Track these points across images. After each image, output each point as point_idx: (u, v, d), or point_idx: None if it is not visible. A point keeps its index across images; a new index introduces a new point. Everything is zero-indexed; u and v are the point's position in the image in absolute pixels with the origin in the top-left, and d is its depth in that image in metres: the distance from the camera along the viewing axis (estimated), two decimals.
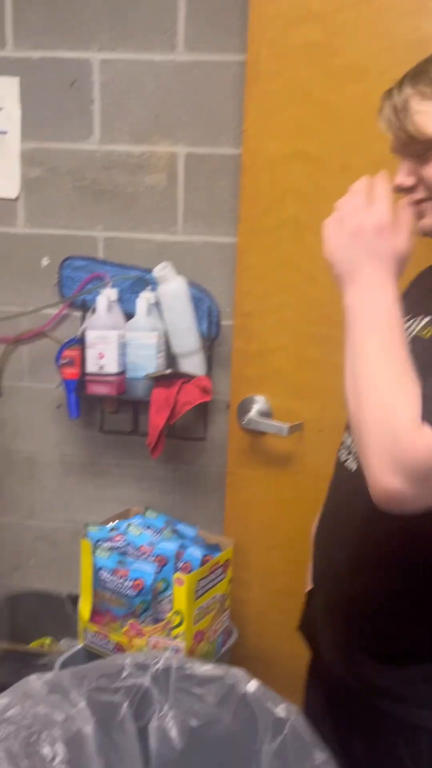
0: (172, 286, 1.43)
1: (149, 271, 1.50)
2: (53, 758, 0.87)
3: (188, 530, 1.41)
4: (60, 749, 0.88)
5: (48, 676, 0.98)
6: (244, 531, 1.53)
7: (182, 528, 1.41)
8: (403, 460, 0.69)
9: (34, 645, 1.73)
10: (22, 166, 1.55)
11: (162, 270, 1.42)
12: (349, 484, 0.96)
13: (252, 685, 1.00)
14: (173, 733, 1.02)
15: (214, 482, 1.64)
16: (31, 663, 1.55)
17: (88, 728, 0.94)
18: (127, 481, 1.68)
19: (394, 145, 0.88)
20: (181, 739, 1.02)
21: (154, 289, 1.49)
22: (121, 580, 1.26)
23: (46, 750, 0.88)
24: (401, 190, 0.89)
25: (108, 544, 1.34)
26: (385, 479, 0.70)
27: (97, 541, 1.34)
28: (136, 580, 1.25)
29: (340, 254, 0.85)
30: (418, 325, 0.89)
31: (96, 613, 1.34)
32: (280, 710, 0.95)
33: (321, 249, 1.33)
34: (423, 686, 0.93)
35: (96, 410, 1.63)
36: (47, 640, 1.77)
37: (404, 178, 0.88)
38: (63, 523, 1.74)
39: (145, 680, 1.02)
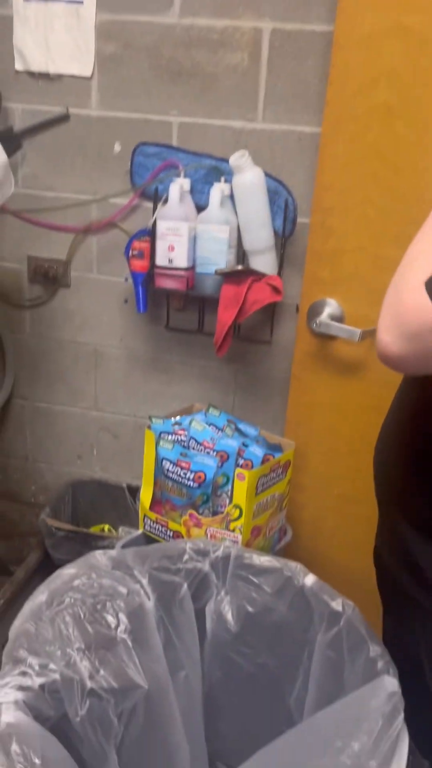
0: (249, 177, 1.36)
1: (225, 160, 1.42)
2: (117, 626, 0.92)
3: (250, 429, 1.41)
4: (123, 619, 0.93)
5: (112, 552, 1.02)
6: (305, 435, 1.52)
7: (244, 427, 1.41)
8: (396, 317, 0.72)
9: (94, 529, 1.81)
10: (97, 40, 1.47)
11: (239, 158, 1.34)
12: None
13: (310, 579, 1.02)
14: (229, 616, 1.06)
15: (276, 386, 1.62)
16: (91, 545, 1.62)
17: (149, 603, 0.98)
18: (189, 379, 1.68)
19: None
20: (236, 623, 1.06)
21: (228, 180, 1.41)
22: (183, 472, 1.28)
23: (111, 618, 0.92)
24: None
25: (171, 437, 1.35)
26: (382, 336, 0.74)
27: (161, 433, 1.35)
28: (197, 472, 1.26)
29: None
30: None
31: (156, 503, 1.38)
32: (337, 604, 0.97)
33: (412, 139, 1.25)
34: None
35: (162, 306, 1.61)
36: (106, 526, 1.84)
37: None
38: (125, 416, 1.77)
39: (205, 565, 1.06)
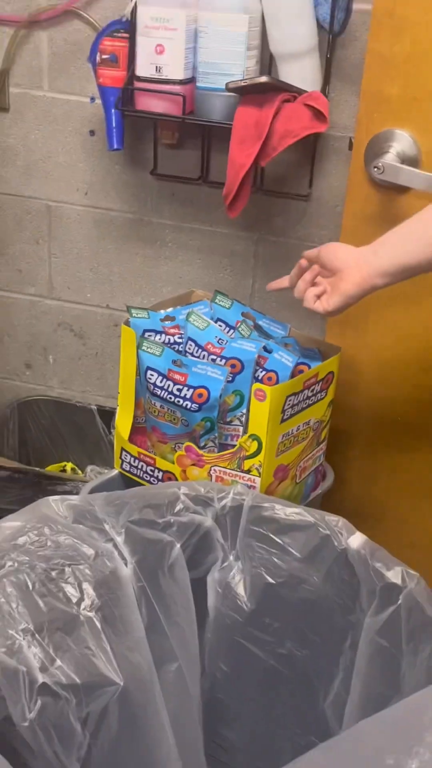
0: None
1: None
2: (79, 601, 0.95)
3: (276, 328, 1.42)
4: (89, 591, 0.96)
5: (74, 500, 1.05)
6: (355, 338, 1.53)
7: (267, 324, 1.42)
8: None
9: (51, 469, 1.85)
10: None
11: None
12: None
13: (356, 540, 1.04)
14: (240, 589, 1.10)
15: None
16: (47, 490, 1.67)
17: (126, 570, 1.01)
18: (187, 253, 1.69)
19: None
20: (250, 599, 1.10)
21: None
22: (178, 388, 1.29)
23: (71, 590, 0.95)
24: None
25: (160, 338, 1.35)
26: None
27: (145, 332, 1.36)
28: (198, 388, 1.27)
29: None
30: None
31: (138, 431, 1.40)
32: (394, 574, 0.99)
33: None
34: None
35: (148, 142, 1.60)
36: (69, 465, 1.88)
37: None
38: (94, 307, 1.79)
39: (207, 519, 1.09)
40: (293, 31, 1.37)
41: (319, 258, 1.22)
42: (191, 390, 1.28)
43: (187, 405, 1.28)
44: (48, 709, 0.88)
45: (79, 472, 1.89)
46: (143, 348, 1.32)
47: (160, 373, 1.30)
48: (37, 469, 1.78)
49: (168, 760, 1.04)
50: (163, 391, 1.30)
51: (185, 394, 1.28)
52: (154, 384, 1.31)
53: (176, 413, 1.30)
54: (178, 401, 1.29)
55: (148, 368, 1.31)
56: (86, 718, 0.93)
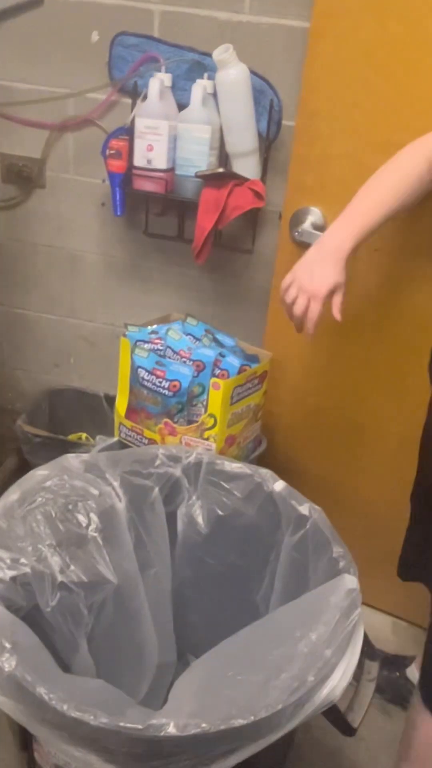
0: (233, 73, 1.28)
1: (208, 54, 1.33)
2: (87, 525, 0.94)
3: (227, 339, 1.40)
4: (94, 518, 0.95)
5: (84, 456, 1.04)
6: (283, 347, 1.51)
7: (222, 337, 1.40)
8: None
9: (71, 437, 1.82)
10: None
11: (223, 53, 1.26)
12: None
13: (279, 485, 1.04)
14: (200, 519, 1.10)
15: (256, 297, 1.60)
16: (68, 452, 1.63)
17: (120, 505, 1.01)
18: (168, 288, 1.65)
19: None
20: (206, 526, 1.09)
21: (212, 77, 1.33)
22: (159, 380, 1.28)
23: (82, 518, 0.94)
24: None
25: (147, 346, 1.34)
26: None
27: (136, 341, 1.34)
28: (173, 381, 1.26)
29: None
30: None
31: (132, 411, 1.38)
32: (304, 508, 1.00)
33: (405, 39, 1.18)
34: None
35: (141, 211, 1.55)
36: (84, 435, 1.86)
37: None
38: (103, 324, 1.75)
39: (177, 470, 1.08)
40: (242, 137, 1.34)
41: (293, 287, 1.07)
42: (168, 382, 1.27)
43: (165, 392, 1.28)
44: (64, 599, 0.88)
45: (91, 440, 1.86)
46: (136, 353, 1.31)
47: (146, 370, 1.30)
48: (62, 437, 1.76)
49: (147, 635, 1.04)
50: (149, 383, 1.29)
51: (164, 385, 1.28)
52: (143, 378, 1.30)
53: (158, 398, 1.29)
54: (159, 390, 1.28)
55: (139, 366, 1.30)
56: (91, 606, 0.93)
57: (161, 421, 1.31)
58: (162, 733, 0.65)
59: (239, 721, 0.67)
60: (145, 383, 1.30)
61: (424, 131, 1.10)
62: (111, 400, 1.81)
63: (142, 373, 1.30)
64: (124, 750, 0.67)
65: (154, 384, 1.28)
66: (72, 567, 0.89)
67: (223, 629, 0.97)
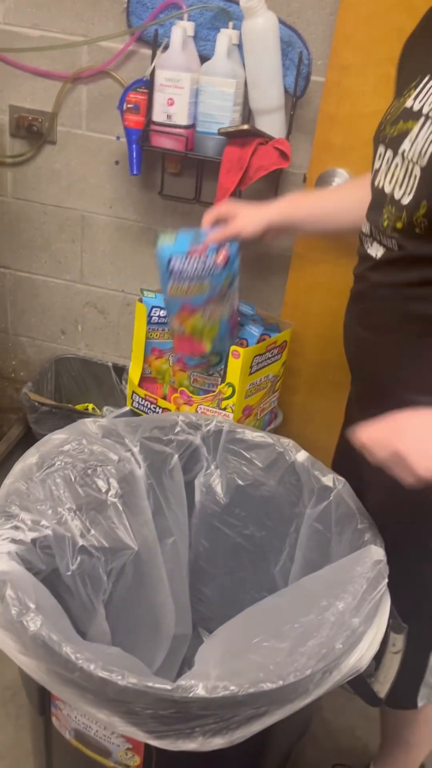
0: (260, 23, 1.28)
1: (234, 1, 1.33)
2: (107, 490, 0.96)
3: (246, 308, 1.41)
4: (114, 484, 0.97)
5: (102, 421, 1.05)
6: (302, 318, 1.53)
7: (240, 305, 1.41)
8: None
9: (78, 407, 1.84)
10: None
11: (251, 0, 1.26)
12: (374, 273, 0.92)
13: (302, 455, 1.06)
14: (219, 488, 1.12)
15: (276, 264, 1.60)
16: (75, 421, 1.66)
17: (140, 471, 1.02)
18: None
19: None
20: (225, 495, 1.11)
21: (237, 27, 1.33)
22: (201, 259, 1.13)
23: (101, 483, 0.97)
24: None
25: (163, 312, 1.34)
26: None
27: (152, 308, 1.36)
28: (218, 250, 1.13)
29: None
30: None
31: (145, 380, 1.40)
32: (327, 479, 1.01)
33: None
34: None
35: (157, 170, 1.55)
36: (90, 405, 1.88)
37: None
38: (113, 291, 1.76)
39: (196, 438, 1.10)
40: (267, 93, 1.34)
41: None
42: (213, 254, 1.12)
43: (212, 268, 1.13)
44: (84, 564, 0.91)
45: (98, 410, 1.88)
46: (159, 243, 1.14)
47: (180, 258, 1.13)
48: (69, 405, 1.79)
49: (164, 604, 1.06)
50: (189, 269, 1.13)
51: (209, 261, 1.13)
52: (180, 270, 1.13)
53: (204, 281, 1.14)
54: (205, 269, 1.13)
55: (170, 259, 1.13)
56: (110, 571, 0.95)
57: (208, 311, 1.18)
58: (191, 695, 0.67)
59: (268, 685, 0.69)
60: (185, 273, 1.14)
61: None
62: (119, 370, 1.84)
63: (176, 263, 1.13)
64: (149, 712, 0.70)
65: (194, 267, 1.13)
66: (92, 531, 0.91)
67: (239, 603, 0.99)
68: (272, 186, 1.49)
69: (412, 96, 0.84)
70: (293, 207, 1.11)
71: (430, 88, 0.82)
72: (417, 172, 0.81)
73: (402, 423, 0.77)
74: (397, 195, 0.84)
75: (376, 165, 0.91)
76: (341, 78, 1.30)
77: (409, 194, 0.82)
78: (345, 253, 1.04)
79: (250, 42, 1.30)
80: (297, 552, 1.06)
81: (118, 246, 1.70)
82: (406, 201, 0.82)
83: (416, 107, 0.82)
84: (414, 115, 0.82)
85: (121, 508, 0.96)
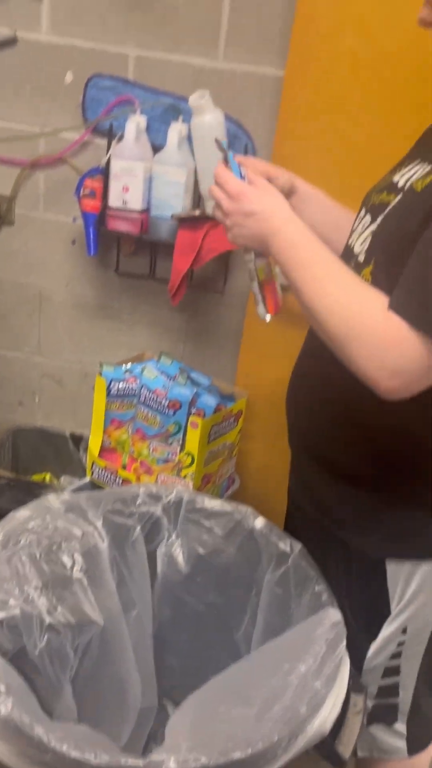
0: (208, 119, 1.37)
1: (183, 99, 1.44)
2: (72, 566, 0.98)
3: (202, 379, 1.46)
4: (78, 559, 0.99)
5: (65, 496, 1.07)
6: (255, 386, 1.59)
7: (196, 376, 1.46)
8: (390, 360, 0.77)
9: (35, 478, 1.85)
10: None
11: (199, 98, 1.35)
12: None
13: (259, 522, 1.10)
14: (180, 558, 1.13)
15: (227, 336, 1.68)
16: (34, 493, 1.66)
17: (103, 545, 1.04)
18: (139, 326, 1.72)
19: None
20: (187, 565, 1.13)
21: (186, 121, 1.43)
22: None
23: (66, 558, 0.98)
24: (423, 24, 0.86)
25: (122, 385, 1.39)
26: (381, 382, 0.79)
27: (111, 381, 1.39)
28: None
29: (253, 235, 0.92)
30: (418, 172, 0.89)
31: (105, 451, 1.42)
32: (285, 544, 1.05)
33: (376, 88, 1.30)
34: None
35: (112, 250, 1.62)
36: (47, 476, 1.88)
37: (427, 14, 0.85)
38: (71, 363, 1.80)
39: (157, 509, 1.12)
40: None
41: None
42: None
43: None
44: (51, 641, 0.91)
45: (55, 480, 1.88)
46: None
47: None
48: (27, 478, 1.79)
49: (130, 678, 1.07)
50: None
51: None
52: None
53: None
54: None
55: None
56: (77, 647, 0.96)
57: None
58: None
59: (237, 754, 0.71)
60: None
61: None
62: (77, 439, 1.85)
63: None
64: None
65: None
66: (59, 608, 0.92)
67: (203, 672, 1.00)
68: (223, 265, 1.58)
69: (400, 173, 0.93)
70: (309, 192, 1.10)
71: (412, 169, 0.90)
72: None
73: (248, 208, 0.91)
74: (360, 256, 0.92)
75: (354, 225, 0.99)
76: (283, 167, 1.40)
77: (365, 252, 0.90)
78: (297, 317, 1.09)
79: (198, 136, 1.39)
80: (258, 617, 1.08)
81: (76, 320, 1.75)
82: (362, 258, 0.90)
83: (400, 183, 0.90)
84: (396, 190, 0.90)
85: (86, 583, 0.97)
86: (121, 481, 1.40)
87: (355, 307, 0.81)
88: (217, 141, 1.06)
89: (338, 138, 1.35)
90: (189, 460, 1.31)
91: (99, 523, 1.05)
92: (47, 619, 0.90)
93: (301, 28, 1.30)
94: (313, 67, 1.31)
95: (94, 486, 1.46)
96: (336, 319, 0.82)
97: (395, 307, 0.78)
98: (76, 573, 0.98)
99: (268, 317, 1.07)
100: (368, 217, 0.95)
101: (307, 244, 0.87)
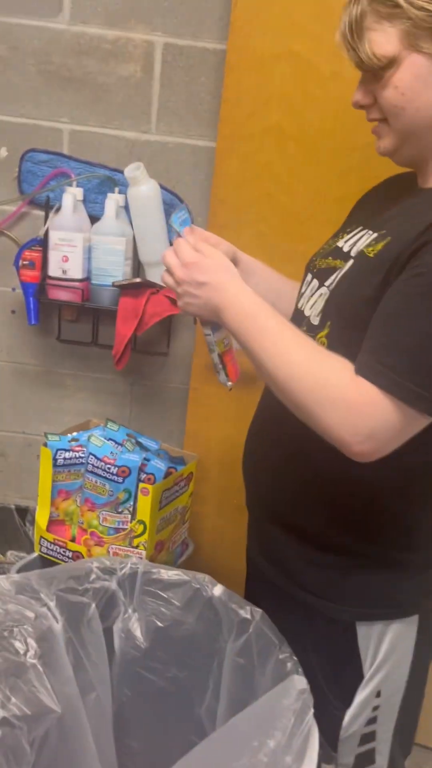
0: (144, 189, 1.41)
1: (118, 170, 1.47)
2: (26, 652, 0.93)
3: (151, 443, 1.45)
4: (32, 644, 0.94)
5: (15, 577, 1.03)
6: (203, 447, 1.59)
7: (145, 441, 1.45)
8: (363, 425, 0.79)
9: None
10: None
11: (134, 170, 1.40)
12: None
13: (218, 589, 1.08)
14: (138, 633, 1.10)
15: (173, 398, 1.68)
16: None
17: (58, 626, 1.00)
18: (83, 393, 1.70)
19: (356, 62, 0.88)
20: (146, 639, 1.10)
21: (123, 191, 1.46)
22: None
23: (19, 644, 0.94)
24: (358, 107, 0.91)
25: (68, 454, 1.37)
26: (354, 446, 0.80)
27: (57, 450, 1.37)
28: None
29: (205, 305, 0.93)
30: (364, 239, 0.93)
31: (53, 524, 1.38)
32: (245, 612, 1.03)
33: (303, 159, 1.36)
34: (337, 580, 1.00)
35: (53, 317, 1.62)
36: None
37: (360, 97, 0.91)
38: (13, 433, 1.76)
39: (112, 583, 1.09)
40: (154, 248, 1.45)
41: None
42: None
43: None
44: (6, 737, 0.86)
45: (2, 557, 1.82)
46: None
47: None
48: None
49: (91, 766, 1.01)
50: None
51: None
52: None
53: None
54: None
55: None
56: (33, 740, 0.90)
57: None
58: None
59: None
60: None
61: (323, 240, 1.26)
62: (23, 512, 1.79)
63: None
64: None
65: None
66: (13, 699, 0.87)
67: (166, 752, 0.96)
68: (165, 329, 1.59)
69: (344, 239, 0.96)
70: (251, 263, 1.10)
71: (356, 236, 0.94)
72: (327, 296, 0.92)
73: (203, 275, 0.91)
74: (312, 319, 0.93)
75: (302, 289, 1.01)
76: (220, 234, 1.42)
77: (317, 316, 0.92)
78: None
79: (136, 206, 1.43)
80: (222, 689, 1.05)
81: (17, 389, 1.72)
82: (315, 322, 0.92)
83: (345, 249, 0.93)
84: (343, 256, 0.93)
85: (41, 669, 0.92)
86: (71, 555, 1.36)
87: (323, 373, 0.82)
88: (169, 224, 1.08)
89: (272, 205, 1.40)
90: (141, 528, 1.29)
91: (52, 604, 1.00)
92: (1, 713, 0.85)
93: (229, 106, 1.37)
94: (243, 140, 1.37)
95: (42, 561, 1.41)
96: (302, 387, 0.82)
97: (363, 372, 0.79)
98: (30, 659, 0.93)
99: (229, 384, 1.08)
100: (315, 282, 0.98)
101: (263, 313, 0.88)
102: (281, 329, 0.86)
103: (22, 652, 0.93)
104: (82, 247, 1.43)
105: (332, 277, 0.94)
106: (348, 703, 1.01)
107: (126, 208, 1.47)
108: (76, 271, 1.44)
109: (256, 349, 0.86)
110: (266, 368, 0.86)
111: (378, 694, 1.01)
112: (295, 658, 0.97)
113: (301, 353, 0.84)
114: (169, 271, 0.96)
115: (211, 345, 1.03)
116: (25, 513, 1.78)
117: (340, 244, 0.97)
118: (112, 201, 1.44)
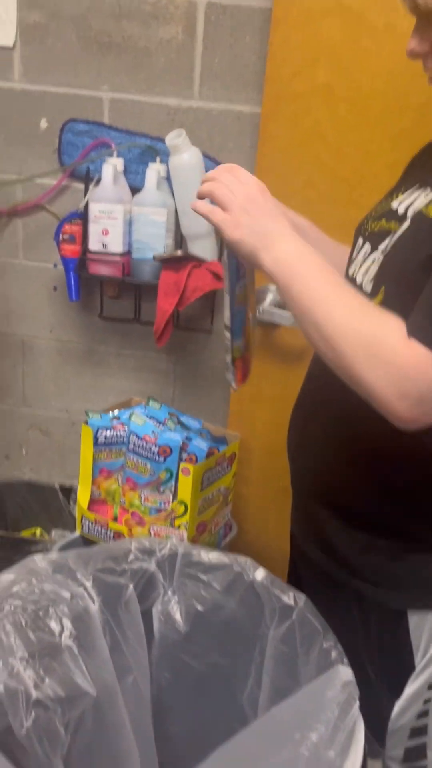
0: (186, 158, 1.37)
1: (160, 139, 1.43)
2: (61, 632, 0.92)
3: (193, 422, 1.42)
4: (67, 624, 0.93)
5: (52, 556, 1.02)
6: (248, 427, 1.55)
7: (186, 420, 1.42)
8: (413, 388, 0.72)
9: (25, 534, 1.78)
10: (20, 9, 1.44)
11: (176, 138, 1.35)
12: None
13: (260, 573, 1.04)
14: (177, 616, 1.07)
15: (217, 376, 1.64)
16: (23, 550, 1.60)
17: (94, 607, 0.98)
18: (125, 371, 1.68)
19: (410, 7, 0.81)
20: (185, 623, 1.07)
21: (164, 161, 1.42)
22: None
23: (54, 625, 0.92)
24: (414, 56, 0.84)
25: (110, 432, 1.35)
26: (401, 411, 0.73)
27: (98, 429, 1.35)
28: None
29: (247, 231, 0.83)
30: (422, 198, 0.86)
31: (95, 503, 1.37)
32: (288, 597, 0.99)
33: (353, 121, 1.29)
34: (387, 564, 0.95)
35: (95, 294, 1.60)
36: (38, 530, 1.82)
37: (416, 44, 0.83)
38: (57, 412, 1.75)
39: (151, 565, 1.07)
40: (197, 220, 1.35)
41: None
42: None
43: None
44: (40, 718, 0.84)
45: (46, 535, 1.83)
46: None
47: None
48: (15, 534, 1.73)
49: (128, 752, 0.99)
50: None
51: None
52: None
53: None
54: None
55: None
56: (68, 723, 0.89)
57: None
58: None
59: None
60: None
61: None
62: (67, 491, 1.80)
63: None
64: None
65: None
66: (47, 680, 0.85)
67: (206, 740, 0.94)
68: (208, 305, 1.55)
69: (398, 199, 0.89)
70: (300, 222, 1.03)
71: (412, 195, 0.87)
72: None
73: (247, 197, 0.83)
74: (365, 286, 0.88)
75: (353, 254, 0.95)
76: None
77: (370, 282, 0.86)
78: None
79: (177, 175, 1.39)
80: (264, 677, 1.02)
81: (61, 368, 1.71)
82: (368, 289, 0.86)
83: (401, 210, 0.86)
84: (398, 218, 0.86)
85: (76, 651, 0.91)
86: (112, 535, 1.34)
87: (372, 331, 0.74)
88: (221, 261, 1.03)
89: (320, 170, 1.34)
90: (182, 509, 1.26)
91: (89, 584, 0.99)
92: (34, 694, 0.83)
93: (275, 65, 1.30)
94: (289, 102, 1.31)
95: (84, 540, 1.40)
96: (349, 344, 0.74)
97: (415, 333, 0.72)
98: (66, 640, 0.91)
99: (234, 386, 1.06)
100: (368, 246, 0.91)
101: (315, 257, 0.79)
102: (332, 279, 0.78)
103: (57, 632, 0.91)
104: (123, 219, 1.40)
105: (386, 241, 0.87)
106: (397, 695, 0.96)
107: (168, 179, 1.42)
108: (116, 245, 1.42)
109: (301, 294, 0.77)
110: (310, 318, 0.77)
111: (430, 687, 0.96)
112: (340, 647, 0.92)
113: (352, 307, 0.76)
114: (218, 192, 0.86)
115: (228, 347, 1.03)
116: (70, 492, 1.78)
117: (394, 204, 0.90)
118: (153, 171, 1.40)
